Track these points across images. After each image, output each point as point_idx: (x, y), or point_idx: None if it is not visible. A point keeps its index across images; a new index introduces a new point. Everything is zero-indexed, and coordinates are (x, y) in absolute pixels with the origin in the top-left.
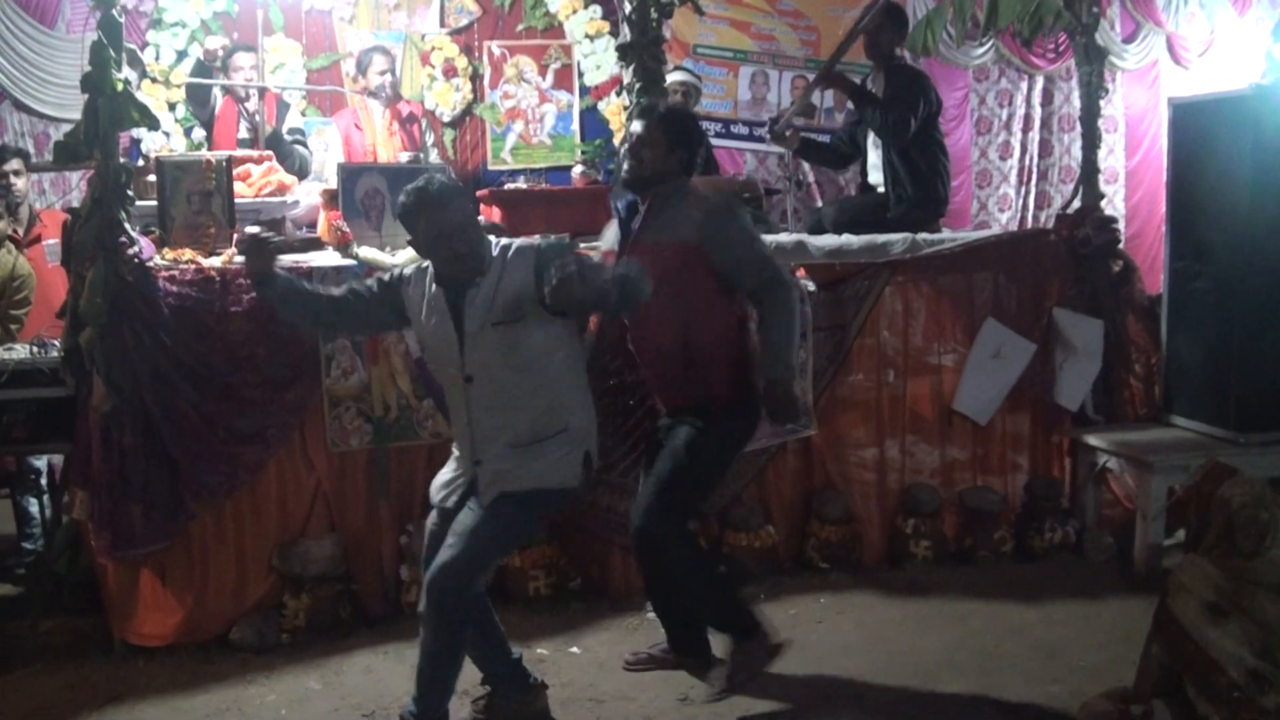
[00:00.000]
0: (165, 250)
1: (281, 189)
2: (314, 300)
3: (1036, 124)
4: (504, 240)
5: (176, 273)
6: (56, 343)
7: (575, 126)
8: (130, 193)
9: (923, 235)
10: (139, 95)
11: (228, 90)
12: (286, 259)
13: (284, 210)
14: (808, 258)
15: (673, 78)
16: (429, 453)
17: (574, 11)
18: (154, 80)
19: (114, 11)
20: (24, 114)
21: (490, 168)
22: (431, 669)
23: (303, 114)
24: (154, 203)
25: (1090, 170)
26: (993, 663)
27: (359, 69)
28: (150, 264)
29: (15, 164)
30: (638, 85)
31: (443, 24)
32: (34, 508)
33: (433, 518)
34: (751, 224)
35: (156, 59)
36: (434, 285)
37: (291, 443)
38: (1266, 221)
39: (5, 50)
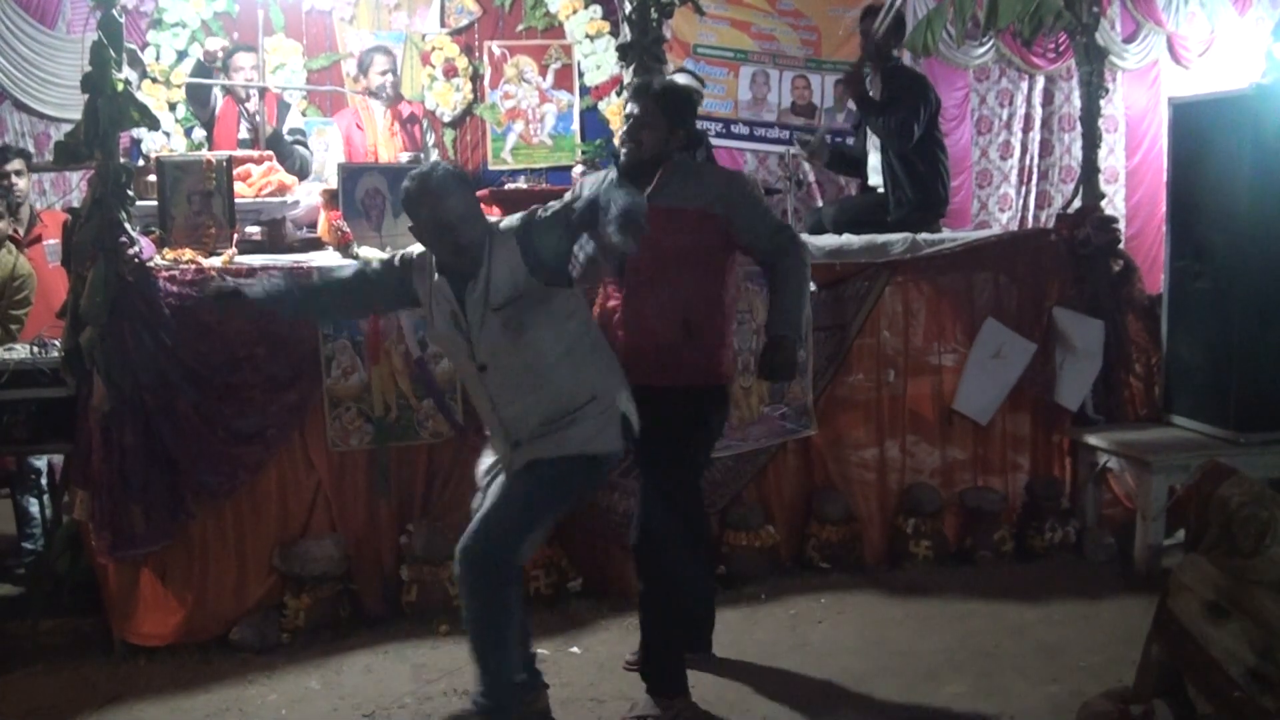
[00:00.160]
0: (165, 250)
1: (281, 189)
2: (312, 295)
3: (1037, 124)
4: (492, 226)
5: (177, 273)
6: (57, 343)
7: (575, 126)
8: (130, 193)
9: (923, 235)
10: (139, 95)
11: (228, 90)
12: (287, 259)
13: (284, 210)
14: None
15: (675, 80)
16: (429, 453)
17: (574, 11)
18: (154, 80)
19: (114, 11)
20: (24, 114)
21: (490, 168)
22: (482, 644)
23: (303, 114)
24: (154, 203)
25: (1090, 170)
26: (993, 663)
27: (360, 69)
28: (150, 264)
29: (17, 164)
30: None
31: (443, 24)
32: (34, 508)
33: (476, 500)
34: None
35: (157, 59)
36: (436, 274)
37: (291, 443)
38: (1266, 221)
39: (5, 50)
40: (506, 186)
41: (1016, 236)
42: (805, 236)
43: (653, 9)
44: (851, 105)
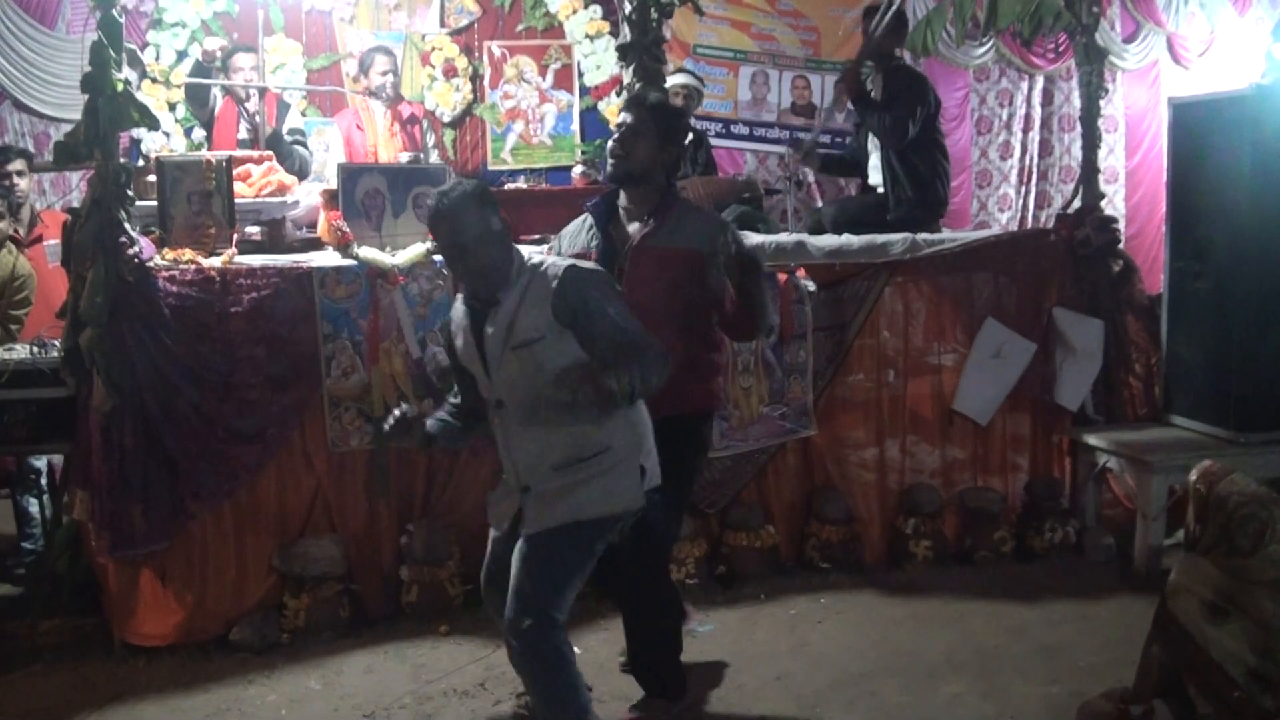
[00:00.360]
0: (165, 250)
1: (281, 189)
2: (461, 422)
3: (1037, 124)
4: (534, 258)
5: (176, 273)
6: (57, 343)
7: (575, 127)
8: (130, 193)
9: (923, 235)
10: (139, 95)
11: (228, 91)
12: (285, 259)
13: (284, 210)
14: (808, 258)
15: (674, 80)
16: (429, 453)
17: (574, 11)
18: (154, 80)
19: (114, 12)
20: (24, 114)
21: (490, 168)
22: (550, 711)
23: (303, 114)
24: (154, 203)
25: (1090, 170)
26: (993, 663)
27: (361, 69)
28: (150, 264)
29: (19, 164)
30: (638, 85)
31: (443, 24)
32: (34, 508)
33: (494, 534)
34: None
35: (156, 59)
36: (463, 305)
37: (291, 443)
38: (1266, 221)
39: (5, 50)
40: (506, 187)
41: (1016, 236)
42: (805, 236)
43: (653, 9)
44: (850, 104)
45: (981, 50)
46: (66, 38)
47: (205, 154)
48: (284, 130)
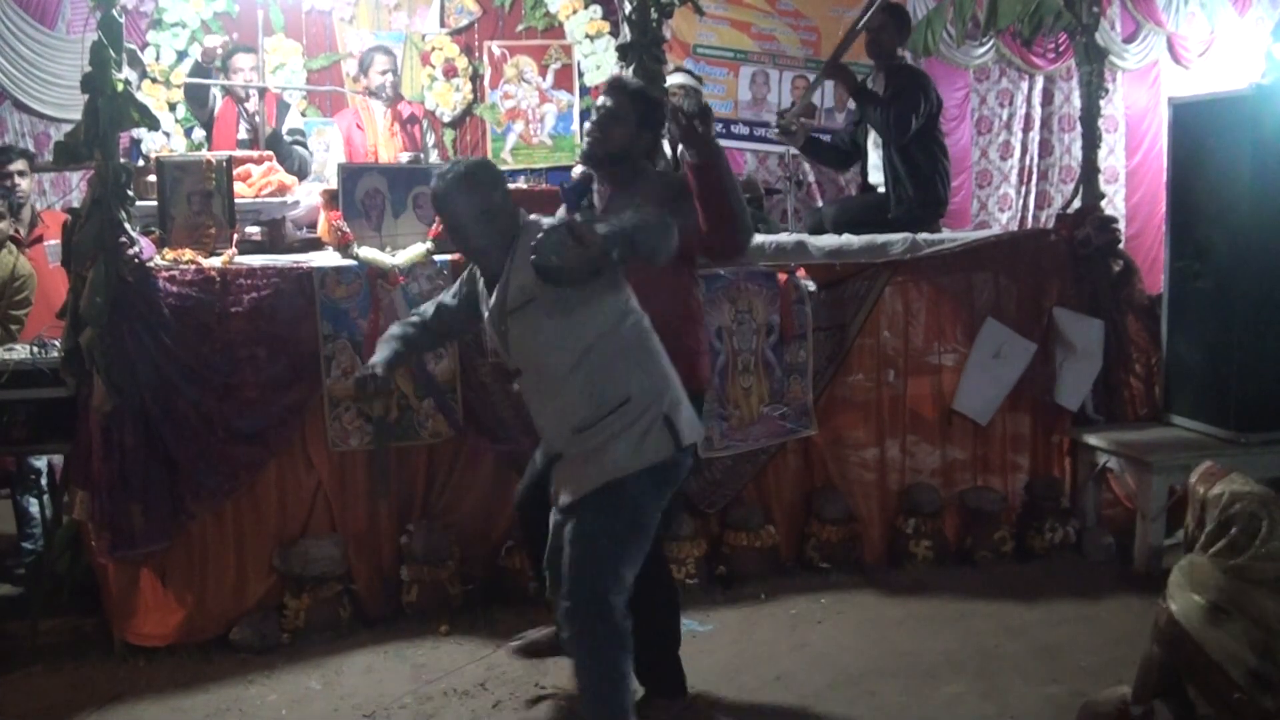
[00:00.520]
0: (165, 250)
1: (281, 189)
2: (433, 328)
3: (1037, 124)
4: (527, 221)
5: (176, 273)
6: (57, 343)
7: (575, 127)
8: (130, 193)
9: (923, 235)
10: (139, 95)
11: (227, 91)
12: (285, 259)
13: (284, 210)
14: (808, 258)
15: (673, 80)
16: (429, 453)
17: (574, 11)
18: (154, 80)
19: (114, 11)
20: (24, 114)
21: None
22: (595, 702)
23: (303, 114)
24: (154, 203)
25: (1090, 170)
26: (993, 663)
27: (361, 69)
28: (150, 264)
29: (20, 164)
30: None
31: (443, 24)
32: (34, 508)
33: (554, 514)
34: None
35: (157, 59)
36: (481, 278)
37: (291, 443)
38: (1266, 221)
39: (5, 50)
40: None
41: (1016, 236)
42: (806, 236)
43: (653, 9)
44: (851, 104)
45: (981, 50)
46: (66, 38)
47: (205, 154)
48: (284, 130)
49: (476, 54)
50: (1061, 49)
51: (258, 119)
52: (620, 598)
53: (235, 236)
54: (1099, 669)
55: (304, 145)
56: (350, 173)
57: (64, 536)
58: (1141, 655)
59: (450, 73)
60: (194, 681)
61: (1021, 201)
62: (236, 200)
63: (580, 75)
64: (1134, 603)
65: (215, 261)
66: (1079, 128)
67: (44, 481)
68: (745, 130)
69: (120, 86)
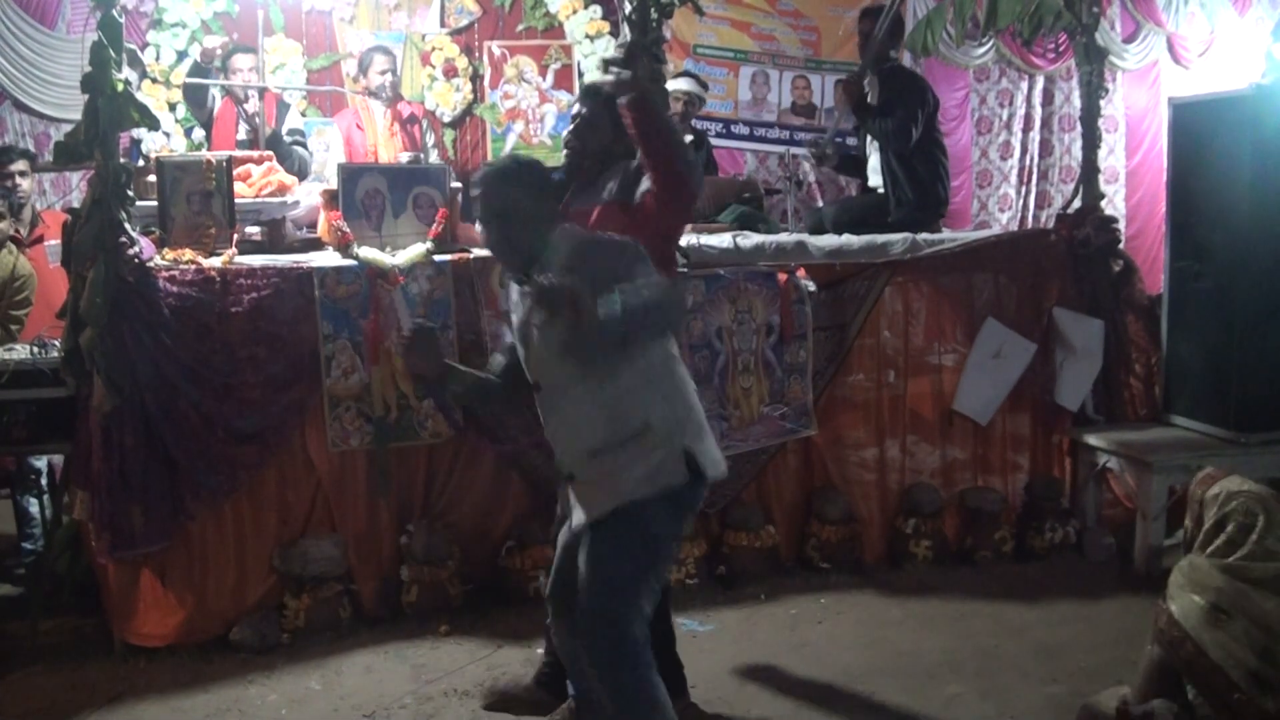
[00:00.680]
0: (165, 250)
1: (281, 189)
2: (494, 386)
3: (1037, 124)
4: (566, 228)
5: (176, 273)
6: (57, 343)
7: None
8: (130, 193)
9: (923, 235)
10: (139, 95)
11: (227, 91)
12: (285, 259)
13: (284, 210)
14: (808, 258)
15: (677, 85)
16: (429, 453)
17: (574, 12)
18: (154, 80)
19: (114, 12)
20: (24, 114)
21: None
22: None
23: (303, 114)
24: (154, 203)
25: (1090, 170)
26: (993, 663)
27: (360, 69)
28: (150, 264)
29: (21, 165)
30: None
31: (443, 24)
32: (34, 508)
33: (563, 532)
34: None
35: (157, 59)
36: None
37: (291, 443)
38: (1266, 221)
39: (5, 50)
40: None
41: (1016, 236)
42: (806, 236)
43: (653, 9)
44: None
45: (981, 50)
46: (66, 38)
47: (205, 154)
48: (284, 131)
49: (476, 54)
50: (1061, 49)
51: (257, 120)
52: (639, 628)
53: (235, 236)
54: (1099, 669)
55: (304, 145)
56: (350, 173)
57: (64, 536)
58: (1142, 655)
59: (450, 73)
60: (194, 681)
61: (1021, 201)
62: (236, 200)
63: (580, 75)
64: (1134, 603)
65: (215, 261)
66: (1079, 128)
67: (44, 481)
68: (745, 130)
69: (120, 86)
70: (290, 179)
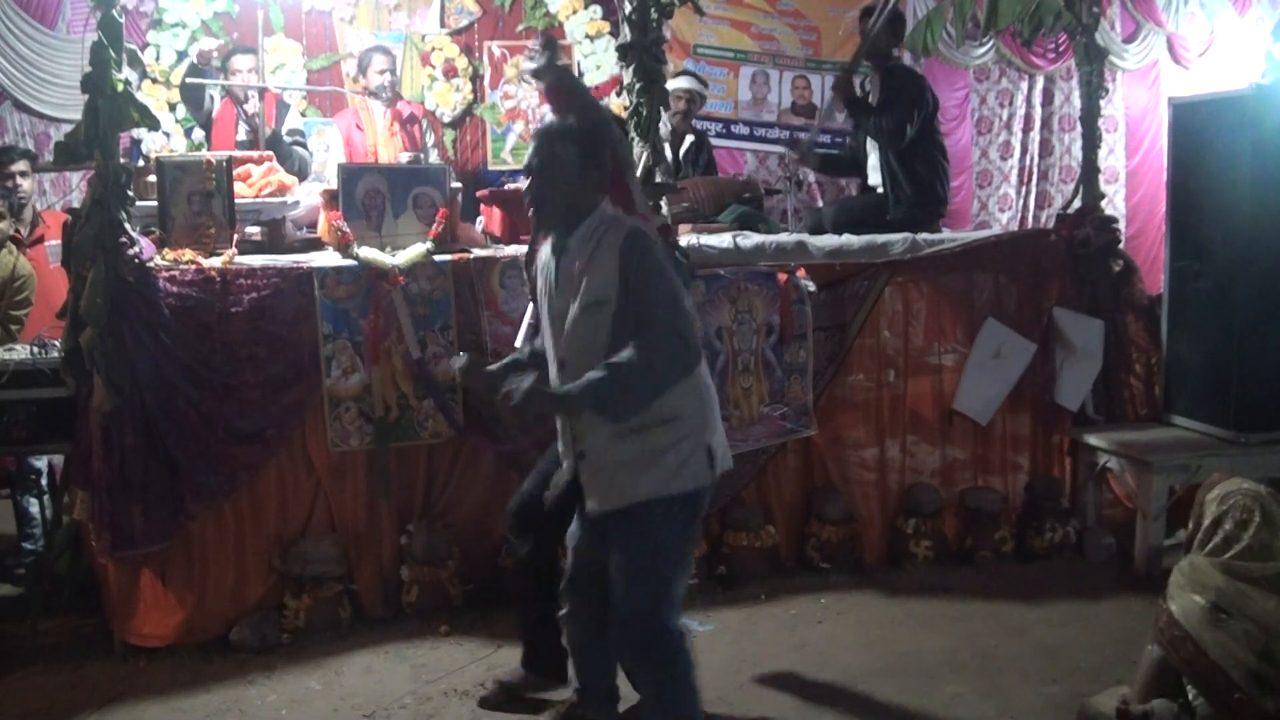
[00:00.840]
0: (165, 251)
1: (281, 189)
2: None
3: (1037, 124)
4: (612, 214)
5: (177, 273)
6: (57, 343)
7: None
8: (130, 193)
9: (923, 235)
10: (139, 96)
11: (227, 92)
12: (285, 259)
13: (284, 210)
14: (808, 258)
15: (677, 84)
16: (429, 453)
17: (574, 11)
18: (154, 81)
19: (114, 12)
20: (25, 114)
21: (490, 168)
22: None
23: (303, 115)
24: (154, 203)
25: (1090, 170)
26: (993, 663)
27: (360, 69)
28: (150, 264)
29: (22, 165)
30: (638, 85)
31: (443, 24)
32: (34, 508)
33: (572, 538)
34: None
35: (157, 59)
36: (549, 247)
37: (291, 443)
38: (1266, 221)
39: (6, 50)
40: (506, 186)
41: (1016, 236)
42: (806, 236)
43: (653, 9)
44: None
45: (981, 50)
46: (66, 38)
47: (205, 154)
48: (284, 131)
49: (476, 54)
50: (1061, 49)
51: (257, 121)
52: (674, 615)
53: (235, 236)
54: (1099, 669)
55: (304, 146)
56: (350, 173)
57: (64, 536)
58: (1142, 655)
59: (450, 73)
60: (194, 681)
61: (1021, 201)
62: (236, 200)
63: (580, 75)
64: (1134, 603)
65: (215, 261)
66: (1079, 128)
67: (44, 481)
68: (745, 130)
69: (120, 86)
70: (290, 179)
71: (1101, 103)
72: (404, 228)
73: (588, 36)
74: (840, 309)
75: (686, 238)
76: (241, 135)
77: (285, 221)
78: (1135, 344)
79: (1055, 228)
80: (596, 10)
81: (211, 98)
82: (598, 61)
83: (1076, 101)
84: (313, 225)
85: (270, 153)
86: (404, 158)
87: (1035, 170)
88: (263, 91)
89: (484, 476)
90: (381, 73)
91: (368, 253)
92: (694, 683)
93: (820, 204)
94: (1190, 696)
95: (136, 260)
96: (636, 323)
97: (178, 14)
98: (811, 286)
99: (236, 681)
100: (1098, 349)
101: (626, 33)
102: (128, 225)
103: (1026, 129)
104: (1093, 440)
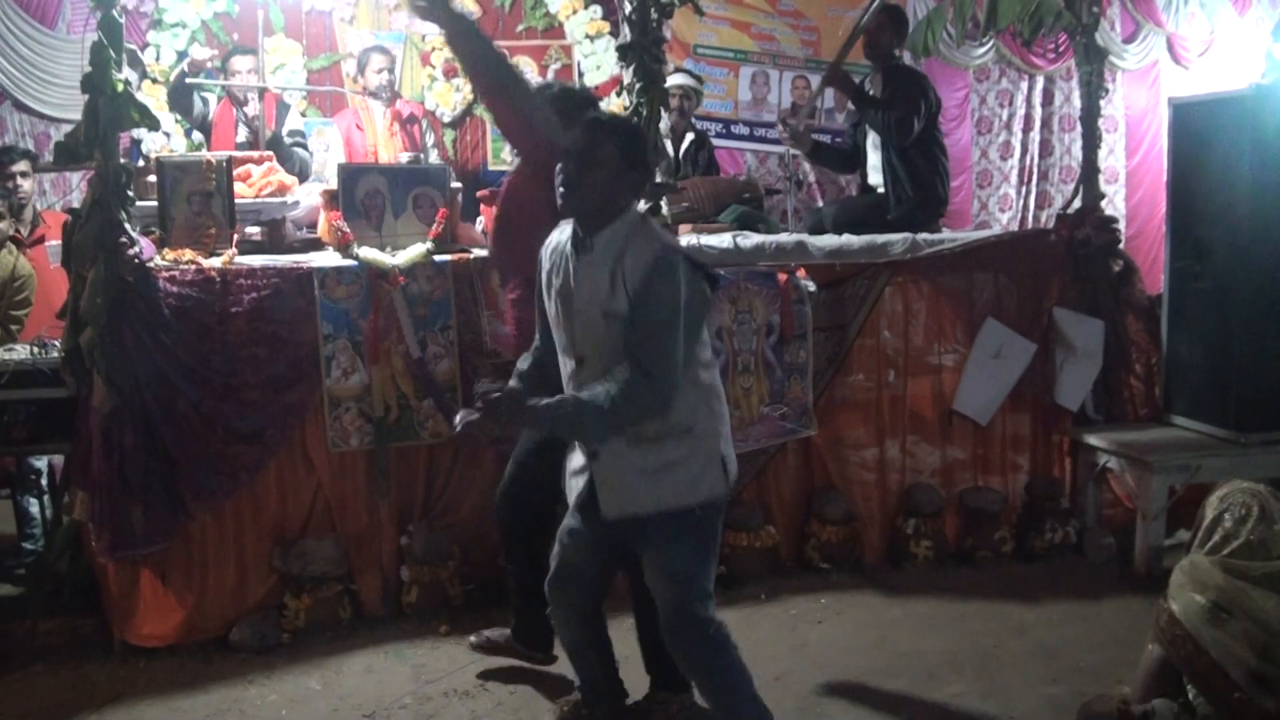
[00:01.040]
0: (165, 251)
1: (281, 189)
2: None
3: (1037, 124)
4: (643, 223)
5: (176, 273)
6: (57, 343)
7: None
8: (130, 193)
9: (923, 235)
10: (139, 96)
11: (226, 93)
12: (285, 259)
13: (284, 211)
14: (808, 258)
15: (672, 80)
16: (429, 453)
17: (574, 12)
18: (154, 81)
19: (114, 12)
20: (25, 115)
21: (490, 168)
22: (726, 709)
23: (303, 115)
24: (154, 203)
25: (1090, 170)
26: (993, 663)
27: (358, 68)
28: (150, 264)
29: (23, 165)
30: (638, 85)
31: None
32: (34, 508)
33: (564, 526)
34: None
35: (157, 59)
36: (569, 242)
37: (291, 443)
38: (1266, 221)
39: (6, 51)
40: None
41: (1016, 236)
42: (806, 237)
43: (653, 9)
44: (851, 105)
45: (981, 50)
46: (66, 38)
47: (205, 154)
48: (284, 132)
49: None
50: (1061, 49)
51: (256, 123)
52: (709, 606)
53: (235, 237)
54: (1099, 669)
55: (304, 147)
56: (350, 173)
57: (64, 536)
58: (1142, 655)
59: (450, 73)
60: (194, 681)
61: (1021, 201)
62: (236, 200)
63: (580, 75)
64: (1134, 603)
65: (215, 262)
66: (1079, 128)
67: (44, 481)
68: (745, 130)
69: (120, 87)
70: (290, 179)
71: (1101, 103)
72: (404, 228)
73: (588, 36)
74: (840, 309)
75: (686, 238)
76: (241, 138)
77: (285, 222)
78: (1135, 344)
79: (1055, 228)
80: (596, 10)
81: (205, 100)
82: (598, 61)
83: (1076, 101)
84: (313, 225)
85: (270, 153)
86: (404, 158)
87: (1035, 170)
88: (262, 92)
89: (484, 476)
90: (380, 72)
91: (368, 253)
92: (743, 665)
93: (820, 204)
94: (1190, 696)
95: (136, 260)
96: (628, 347)
97: (178, 14)
98: (811, 286)
99: (236, 681)
100: (1098, 349)
101: (626, 33)
102: (128, 225)
103: (1026, 129)
104: (1093, 440)
